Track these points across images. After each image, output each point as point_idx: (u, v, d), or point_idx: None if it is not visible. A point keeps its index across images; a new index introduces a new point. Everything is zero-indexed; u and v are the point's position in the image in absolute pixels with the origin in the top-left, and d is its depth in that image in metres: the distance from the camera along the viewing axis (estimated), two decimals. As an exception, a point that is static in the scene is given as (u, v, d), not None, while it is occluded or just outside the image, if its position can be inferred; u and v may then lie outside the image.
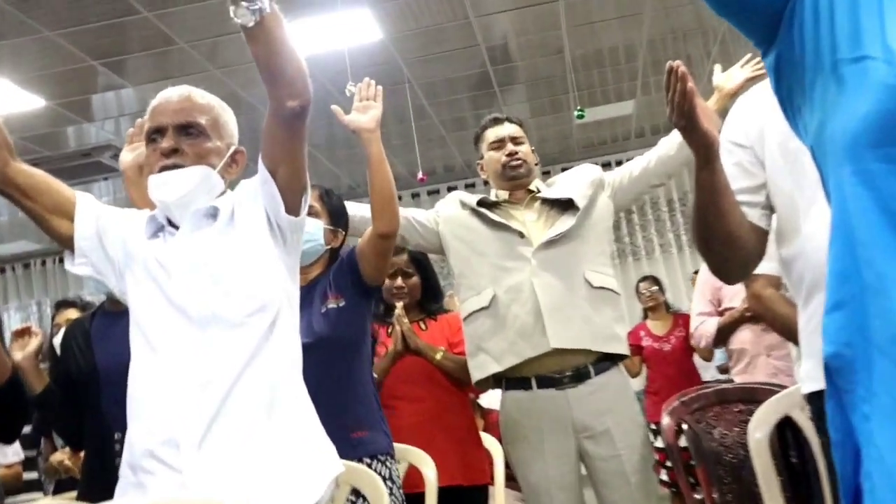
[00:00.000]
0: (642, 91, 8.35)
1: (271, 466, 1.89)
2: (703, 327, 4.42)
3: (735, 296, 4.26)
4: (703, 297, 4.49)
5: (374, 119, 2.83)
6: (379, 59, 6.57)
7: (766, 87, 1.91)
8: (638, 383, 6.52)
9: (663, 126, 9.20)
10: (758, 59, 3.19)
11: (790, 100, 0.98)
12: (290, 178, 2.03)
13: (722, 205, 1.80)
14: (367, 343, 2.95)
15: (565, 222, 3.23)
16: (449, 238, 3.37)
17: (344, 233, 3.07)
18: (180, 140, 2.07)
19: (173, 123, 2.08)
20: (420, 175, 7.40)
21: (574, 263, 3.21)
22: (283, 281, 2.06)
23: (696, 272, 7.23)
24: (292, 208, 2.05)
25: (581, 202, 3.26)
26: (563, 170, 3.60)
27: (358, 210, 3.28)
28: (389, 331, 3.52)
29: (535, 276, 3.17)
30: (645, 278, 7.08)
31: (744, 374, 4.27)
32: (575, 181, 3.38)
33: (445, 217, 3.41)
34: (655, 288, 6.80)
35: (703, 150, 1.75)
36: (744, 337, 4.29)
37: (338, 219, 3.05)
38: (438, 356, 3.50)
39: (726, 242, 1.84)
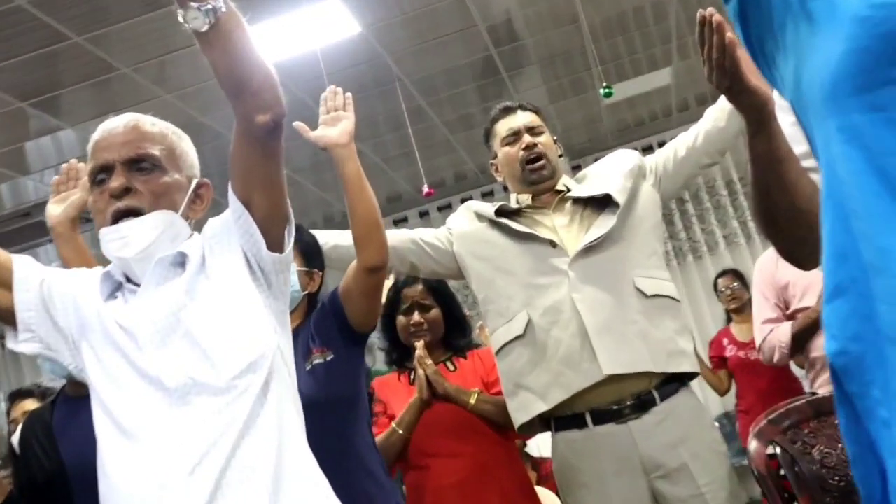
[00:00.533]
0: (679, 55, 8.35)
1: None
2: (774, 336, 4.18)
3: (806, 293, 4.10)
4: (765, 301, 4.26)
5: (346, 132, 2.85)
6: (360, 56, 6.60)
7: None
8: (729, 402, 6.43)
9: (710, 94, 9.12)
10: None
11: (761, 48, 0.97)
12: (269, 208, 2.04)
13: (785, 175, 1.75)
14: (364, 401, 2.96)
15: (604, 223, 3.23)
16: (467, 259, 3.38)
17: (321, 273, 3.09)
18: (132, 177, 2.08)
19: (121, 159, 2.09)
20: (426, 189, 7.41)
21: (620, 271, 3.21)
22: (272, 332, 2.06)
23: (720, 275, 7.05)
24: (275, 244, 2.06)
25: (620, 196, 3.26)
26: (596, 161, 3.60)
27: (333, 238, 3.29)
28: (412, 378, 3.52)
29: (575, 292, 3.16)
30: (724, 273, 6.95)
31: (828, 386, 4.15)
32: (610, 172, 3.38)
33: (459, 234, 3.42)
34: (737, 284, 6.66)
35: (755, 112, 1.73)
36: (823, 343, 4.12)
37: (311, 258, 3.07)
38: (473, 400, 3.50)
39: (795, 220, 1.79)
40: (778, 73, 0.96)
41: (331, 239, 3.30)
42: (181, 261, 2.08)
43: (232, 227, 2.06)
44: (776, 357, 4.24)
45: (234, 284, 2.05)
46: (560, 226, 3.30)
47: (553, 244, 3.23)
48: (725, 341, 6.50)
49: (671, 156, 3.40)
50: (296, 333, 2.88)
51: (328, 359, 2.83)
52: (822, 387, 4.15)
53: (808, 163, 1.81)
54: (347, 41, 6.37)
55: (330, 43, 6.21)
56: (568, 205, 3.36)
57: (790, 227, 1.82)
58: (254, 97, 1.94)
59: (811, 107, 0.86)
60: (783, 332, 4.19)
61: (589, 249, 3.19)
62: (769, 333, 4.24)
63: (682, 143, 3.39)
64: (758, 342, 4.33)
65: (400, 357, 3.68)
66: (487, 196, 10.12)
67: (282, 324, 2.11)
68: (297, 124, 2.89)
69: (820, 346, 4.10)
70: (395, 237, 3.35)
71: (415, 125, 7.86)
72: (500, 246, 3.31)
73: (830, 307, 0.87)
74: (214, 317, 2.01)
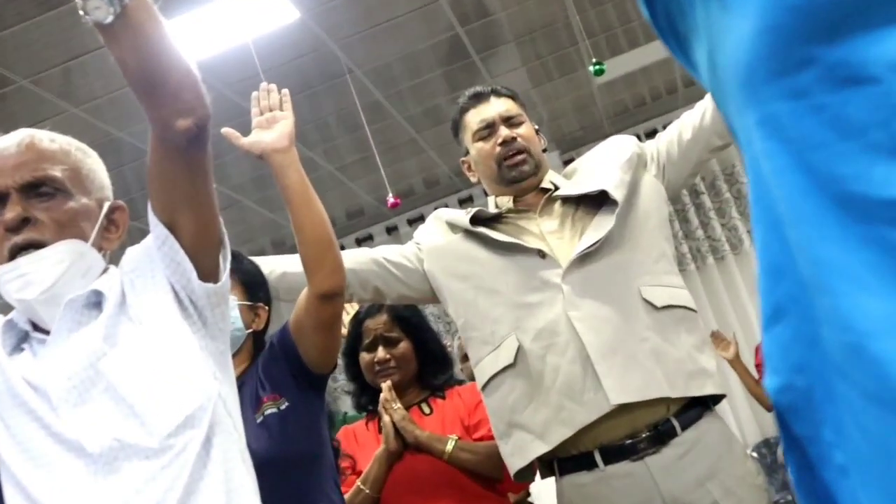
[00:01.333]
0: (681, 20, 8.38)
1: None
2: None
3: None
4: None
5: (285, 134, 2.86)
6: (302, 47, 6.61)
7: None
8: (769, 428, 6.45)
9: (721, 63, 9.11)
10: None
11: (671, 27, 0.96)
12: (198, 231, 2.04)
13: None
14: (328, 456, 2.95)
15: (601, 225, 3.22)
16: (441, 278, 3.36)
17: (267, 308, 3.07)
18: (30, 206, 2.07)
19: (16, 185, 2.08)
20: (391, 199, 7.42)
21: (624, 280, 3.20)
22: (212, 378, 2.05)
23: None
24: (207, 273, 2.06)
25: (618, 192, 3.25)
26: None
27: (280, 265, 3.28)
28: (381, 425, 3.51)
29: (571, 309, 3.15)
30: None
31: None
32: (604, 164, 3.38)
33: (430, 249, 3.41)
34: None
35: None
36: None
37: (255, 290, 3.05)
38: (449, 448, 3.50)
39: None
40: (693, 56, 0.94)
41: (277, 266, 3.28)
42: (96, 300, 2.07)
43: (155, 256, 2.06)
44: None
45: (161, 325, 2.03)
46: (549, 231, 3.30)
47: (542, 254, 3.21)
48: None
49: (675, 139, 3.40)
50: (241, 381, 2.86)
51: (282, 407, 2.81)
52: None
53: None
54: (285, 30, 6.38)
55: (264, 33, 6.22)
56: (557, 206, 3.35)
57: None
58: (172, 99, 1.94)
59: (729, 96, 0.85)
60: None
61: (585, 257, 3.18)
62: None
63: (688, 124, 3.39)
64: None
65: (369, 400, 3.66)
66: (465, 203, 10.14)
67: (222, 368, 2.10)
68: (226, 130, 2.89)
69: None
70: (354, 258, 3.35)
71: (373, 124, 7.86)
72: (480, 260, 3.29)
73: (769, 335, 0.86)
74: (140, 365, 1.99)
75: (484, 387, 3.29)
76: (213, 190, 2.07)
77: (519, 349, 3.19)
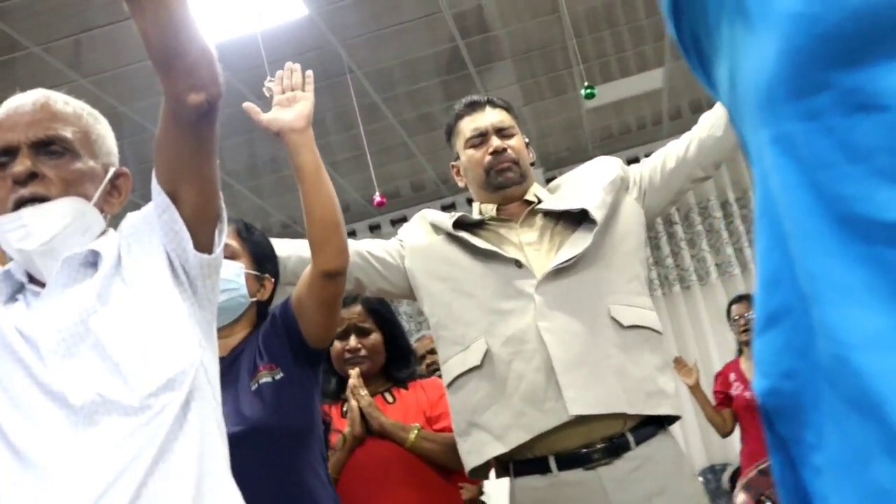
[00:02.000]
0: (672, 55, 8.42)
1: None
2: None
3: None
4: None
5: (304, 115, 2.84)
6: (307, 43, 6.61)
7: None
8: (716, 455, 6.49)
9: (706, 100, 9.27)
10: None
11: (696, 47, 0.98)
12: (199, 203, 2.04)
13: None
14: (318, 429, 2.94)
15: (579, 242, 3.22)
16: (421, 277, 3.36)
17: (274, 280, 3.06)
18: (39, 162, 2.08)
19: (28, 141, 2.09)
20: (378, 198, 7.42)
21: (595, 297, 3.20)
22: (196, 345, 2.05)
23: (735, 301, 7.21)
24: (203, 244, 2.07)
25: (598, 213, 3.25)
26: None
27: (288, 248, 3.26)
28: (345, 410, 3.51)
29: (541, 320, 3.15)
30: (740, 298, 7.09)
31: None
32: (588, 183, 3.38)
33: (413, 248, 3.40)
34: (753, 313, 6.73)
35: None
36: None
37: (264, 261, 3.04)
38: (413, 437, 3.51)
39: None
40: (715, 75, 0.96)
41: (294, 250, 3.27)
42: (93, 260, 2.07)
43: (154, 223, 2.07)
44: None
45: (153, 289, 2.04)
46: (528, 242, 3.30)
47: (518, 264, 3.21)
48: (733, 377, 6.61)
49: (659, 166, 3.40)
50: (241, 348, 2.90)
51: (277, 378, 2.81)
52: None
53: None
54: (293, 25, 6.38)
55: (272, 26, 6.22)
56: (538, 218, 3.35)
57: None
58: (187, 74, 1.95)
59: (746, 114, 0.87)
60: None
61: (559, 272, 3.18)
62: None
63: (672, 153, 3.40)
64: None
65: (336, 388, 3.66)
66: (448, 209, 10.14)
67: (207, 337, 2.11)
68: (248, 105, 2.89)
69: None
70: None
71: (367, 125, 7.87)
72: (460, 264, 3.29)
73: (762, 340, 0.88)
74: (129, 325, 2.00)
75: (450, 384, 3.29)
76: (216, 166, 2.09)
77: (487, 352, 3.19)
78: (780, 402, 0.86)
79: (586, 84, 6.93)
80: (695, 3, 0.95)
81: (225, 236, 2.13)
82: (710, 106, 3.27)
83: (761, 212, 0.87)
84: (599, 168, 3.45)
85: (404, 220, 10.15)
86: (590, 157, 3.63)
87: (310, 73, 2.93)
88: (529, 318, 3.16)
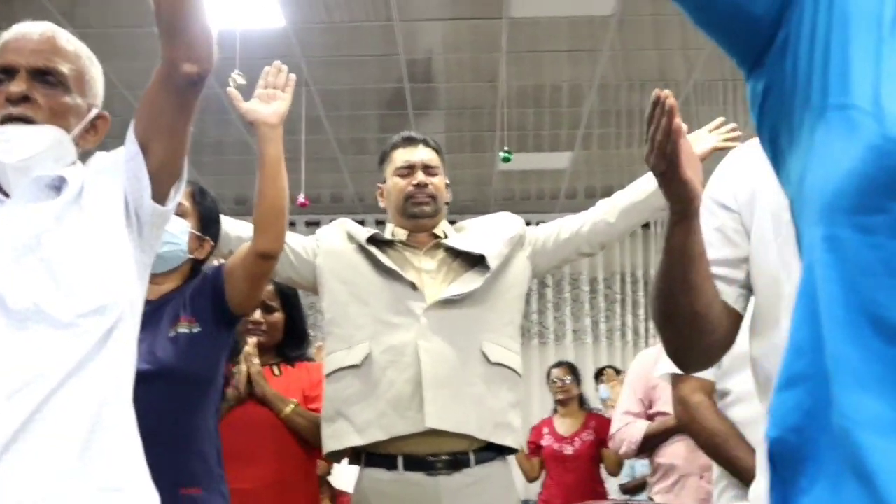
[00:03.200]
0: (583, 144, 8.56)
1: None
2: (628, 430, 4.39)
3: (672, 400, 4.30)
4: (633, 393, 4.48)
5: (278, 113, 2.84)
6: (276, 50, 6.57)
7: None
8: (531, 490, 6.59)
9: (600, 189, 9.34)
10: (731, 125, 3.31)
11: (774, 140, 1.02)
12: (166, 158, 2.04)
13: (692, 275, 1.79)
14: (218, 386, 2.93)
15: (470, 282, 3.26)
16: (327, 275, 3.36)
17: (213, 243, 3.06)
18: (34, 88, 2.05)
19: (28, 66, 2.06)
20: (302, 198, 7.40)
21: (472, 332, 3.24)
22: (130, 282, 2.04)
23: (602, 369, 7.38)
24: (159, 196, 2.05)
25: (494, 261, 3.29)
26: None
27: (237, 228, 3.26)
28: (234, 371, 3.50)
29: (422, 339, 3.18)
30: (560, 364, 7.22)
31: (668, 495, 4.30)
32: (491, 233, 3.41)
33: (327, 249, 3.40)
34: (570, 378, 6.90)
35: (681, 203, 1.76)
36: (676, 451, 4.28)
37: (209, 224, 3.03)
38: (288, 409, 3.50)
39: (691, 322, 1.83)
40: (785, 167, 1.01)
41: (237, 231, 3.25)
42: (59, 185, 2.04)
43: (121, 166, 2.05)
44: (623, 449, 4.48)
45: (105, 223, 2.03)
46: (426, 269, 3.32)
47: (414, 286, 3.24)
48: (545, 430, 6.69)
49: (553, 235, 3.45)
50: (170, 297, 2.87)
51: (194, 331, 2.79)
52: (662, 494, 4.33)
53: (717, 270, 1.85)
54: (268, 32, 6.37)
55: (249, 28, 6.20)
56: (440, 251, 3.37)
57: (683, 327, 1.86)
58: (187, 45, 1.95)
59: (807, 209, 0.92)
60: (637, 429, 4.39)
61: (448, 302, 3.21)
62: (625, 426, 4.45)
63: (568, 226, 3.45)
64: (613, 429, 4.57)
65: (231, 351, 3.66)
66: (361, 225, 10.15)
67: (141, 278, 2.09)
68: (232, 91, 2.91)
69: (667, 454, 4.31)
70: None
71: (309, 134, 7.82)
72: (363, 274, 3.30)
73: (779, 397, 0.93)
74: (77, 249, 1.98)
75: (329, 374, 3.30)
76: (190, 131, 2.08)
77: (368, 356, 3.21)
78: (784, 450, 0.92)
79: (506, 149, 7.03)
80: (782, 101, 0.99)
81: (181, 194, 2.12)
82: (604, 194, 3.36)
83: (801, 292, 0.92)
84: (504, 222, 3.49)
85: (318, 224, 10.13)
86: (489, 212, 3.70)
87: (293, 76, 2.92)
88: (412, 335, 3.19)
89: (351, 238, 3.38)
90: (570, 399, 6.80)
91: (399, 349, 3.19)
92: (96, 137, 2.17)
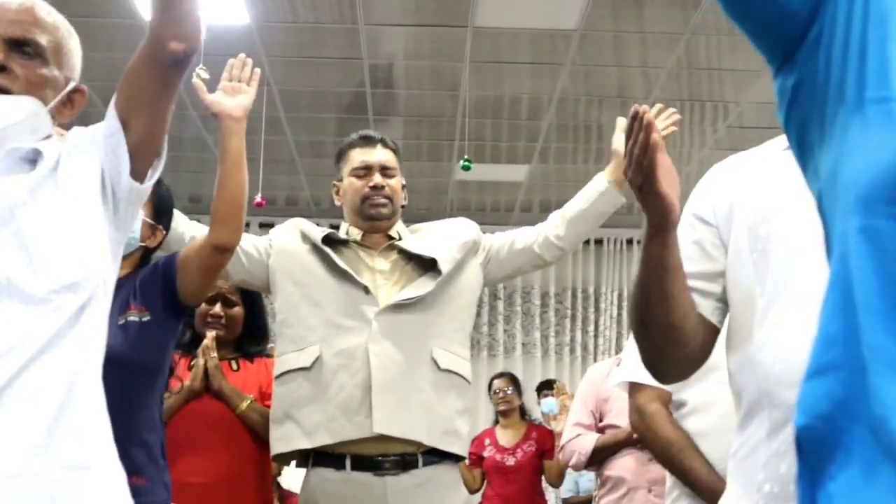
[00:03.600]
0: (540, 157, 8.61)
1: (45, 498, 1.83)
2: (578, 442, 4.43)
3: (623, 412, 4.31)
4: (584, 405, 4.54)
5: (243, 106, 2.84)
6: (238, 46, 6.42)
7: (743, 157, 1.98)
8: (473, 500, 6.58)
9: (556, 203, 9.26)
10: (671, 111, 3.35)
11: (803, 136, 1.04)
12: (146, 135, 2.03)
13: (668, 287, 1.82)
14: (164, 376, 2.93)
15: (421, 286, 3.28)
16: (279, 276, 3.35)
17: (165, 232, 3.05)
18: (11, 58, 2.03)
19: (6, 35, 2.04)
20: (258, 199, 7.38)
21: (423, 336, 3.25)
22: (104, 259, 2.03)
23: (546, 382, 7.43)
24: (137, 174, 2.04)
25: (446, 266, 3.30)
26: None
27: (191, 228, 3.24)
28: (192, 363, 3.50)
29: (373, 343, 3.19)
30: (501, 375, 7.26)
31: None
32: (445, 237, 3.43)
33: (280, 249, 3.39)
34: (511, 389, 6.94)
35: (658, 216, 1.79)
36: (625, 464, 4.30)
37: (162, 214, 3.03)
38: (244, 405, 3.49)
39: (666, 333, 1.86)
40: (813, 162, 1.02)
41: (189, 230, 3.23)
42: (34, 158, 2.03)
43: (99, 141, 2.04)
44: (573, 461, 4.52)
45: (81, 198, 2.01)
46: (380, 270, 3.33)
47: (367, 290, 3.24)
48: (487, 441, 6.71)
49: (507, 244, 3.47)
50: (120, 284, 2.84)
51: (143, 319, 2.78)
52: None
53: (694, 283, 1.88)
54: (232, 28, 6.33)
55: (213, 24, 6.17)
56: (394, 253, 3.38)
57: (658, 337, 1.89)
58: (175, 25, 1.95)
59: (841, 201, 0.93)
60: (587, 442, 4.43)
61: (399, 306, 3.23)
62: (575, 437, 4.50)
63: (523, 237, 3.47)
64: (562, 440, 4.65)
65: (189, 343, 3.64)
66: (313, 229, 10.15)
67: (114, 256, 2.08)
68: (196, 81, 2.90)
69: (616, 466, 4.36)
70: None
71: (267, 135, 7.78)
72: (316, 275, 3.29)
73: (808, 385, 0.95)
74: (51, 224, 1.96)
75: (278, 376, 3.29)
76: (171, 109, 2.08)
77: (319, 358, 3.20)
78: (813, 437, 0.94)
79: (466, 157, 7.04)
80: (814, 96, 1.00)
81: (158, 173, 2.11)
82: (558, 207, 3.40)
83: (833, 283, 0.94)
84: (459, 227, 3.50)
85: (271, 225, 10.07)
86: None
87: (257, 70, 2.93)
88: (363, 339, 3.19)
89: (305, 238, 3.38)
90: (511, 410, 6.85)
91: (350, 353, 3.19)
92: (72, 111, 2.16)
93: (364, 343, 3.19)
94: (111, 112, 2.03)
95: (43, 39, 2.07)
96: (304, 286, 3.30)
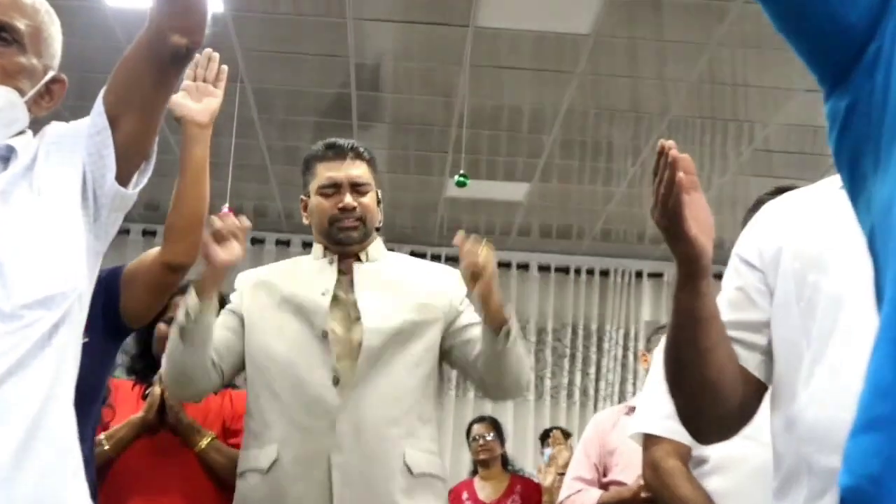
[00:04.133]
0: (542, 175, 8.61)
1: None
2: (579, 498, 4.39)
3: (628, 467, 4.28)
4: (586, 457, 4.49)
5: (209, 111, 2.83)
6: (210, 39, 6.53)
7: (797, 195, 2.00)
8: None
9: (557, 228, 9.52)
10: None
11: (855, 163, 1.04)
12: (135, 136, 2.04)
13: (703, 340, 1.82)
14: (98, 406, 2.92)
15: (386, 357, 3.20)
16: (248, 357, 3.28)
17: None
18: None
19: None
20: (226, 208, 7.37)
21: (393, 438, 3.17)
22: (80, 272, 2.02)
23: (549, 430, 7.41)
24: (122, 178, 2.05)
25: (402, 337, 3.22)
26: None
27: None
28: (146, 392, 3.47)
29: (336, 452, 3.12)
30: (482, 419, 7.22)
31: None
32: (421, 285, 3.35)
33: (250, 323, 3.29)
34: (492, 435, 6.91)
35: (687, 263, 1.79)
36: None
37: None
38: (204, 443, 3.44)
39: (701, 391, 1.86)
40: (865, 192, 1.02)
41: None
42: (7, 155, 2.03)
43: (83, 140, 2.04)
44: None
45: (59, 202, 2.00)
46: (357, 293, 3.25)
47: (325, 335, 3.16)
48: (465, 495, 6.70)
49: (468, 341, 3.29)
50: None
51: (81, 341, 2.79)
52: None
53: (736, 333, 1.88)
54: (203, 17, 6.35)
55: (183, 11, 6.20)
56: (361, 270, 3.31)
57: (693, 395, 1.89)
58: (179, 16, 1.97)
59: (894, 237, 0.94)
60: (590, 498, 4.38)
61: (365, 394, 3.15)
62: (576, 493, 4.44)
63: (474, 349, 3.27)
64: (561, 496, 4.57)
65: (145, 369, 3.59)
66: (282, 245, 10.16)
67: (91, 270, 2.08)
68: None
69: None
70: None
71: (237, 137, 7.75)
72: (276, 354, 3.22)
73: (855, 441, 0.95)
74: (24, 232, 1.95)
75: (240, 473, 3.23)
76: (164, 109, 2.09)
77: (276, 462, 3.13)
78: (859, 498, 0.93)
79: (462, 172, 7.01)
80: (869, 122, 1.00)
81: (146, 179, 2.11)
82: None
83: (885, 326, 0.94)
84: (444, 281, 3.38)
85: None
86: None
87: (224, 67, 2.91)
88: (325, 446, 3.12)
89: (269, 290, 3.31)
90: (492, 459, 6.81)
91: (309, 462, 3.14)
92: (51, 103, 2.17)
93: (326, 451, 3.12)
94: (98, 108, 2.03)
95: (21, 24, 2.08)
96: (264, 372, 3.22)
